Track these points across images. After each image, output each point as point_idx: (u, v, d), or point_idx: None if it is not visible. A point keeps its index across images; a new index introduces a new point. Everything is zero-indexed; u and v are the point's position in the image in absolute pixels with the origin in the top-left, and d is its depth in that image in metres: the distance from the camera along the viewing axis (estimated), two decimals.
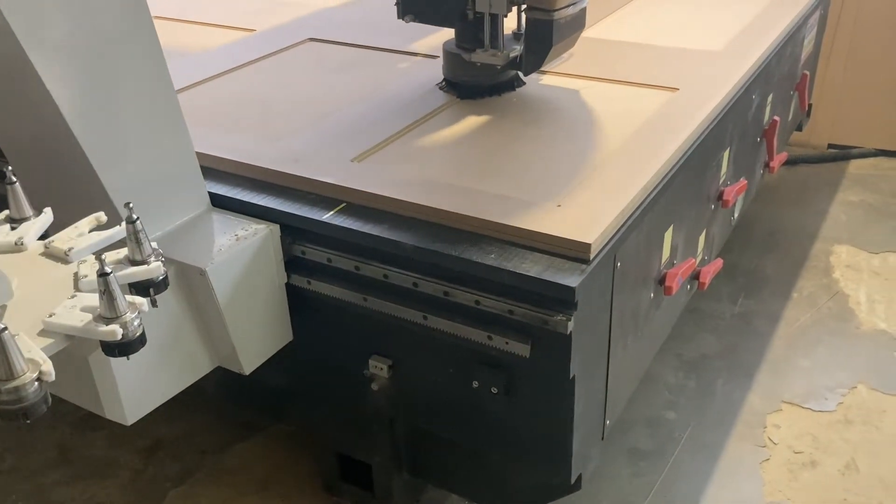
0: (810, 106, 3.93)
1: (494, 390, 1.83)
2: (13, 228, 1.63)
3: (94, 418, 1.76)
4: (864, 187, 4.10)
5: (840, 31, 4.23)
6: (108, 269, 1.36)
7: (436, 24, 2.42)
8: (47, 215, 1.68)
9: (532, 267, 1.68)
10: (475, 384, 1.85)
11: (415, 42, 2.92)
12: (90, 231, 1.64)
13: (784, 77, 3.20)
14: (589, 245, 1.69)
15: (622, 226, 1.82)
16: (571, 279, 1.64)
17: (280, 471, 2.58)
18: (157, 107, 1.75)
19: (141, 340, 1.43)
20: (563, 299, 1.65)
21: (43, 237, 1.64)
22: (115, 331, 1.37)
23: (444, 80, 2.52)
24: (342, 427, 2.25)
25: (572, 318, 1.65)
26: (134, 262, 1.53)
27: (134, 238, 1.52)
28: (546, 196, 1.89)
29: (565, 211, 1.82)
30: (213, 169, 2.06)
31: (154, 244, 1.54)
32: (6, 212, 1.65)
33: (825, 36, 3.93)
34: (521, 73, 2.47)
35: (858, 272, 3.43)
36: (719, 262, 2.63)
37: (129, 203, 1.50)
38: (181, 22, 3.28)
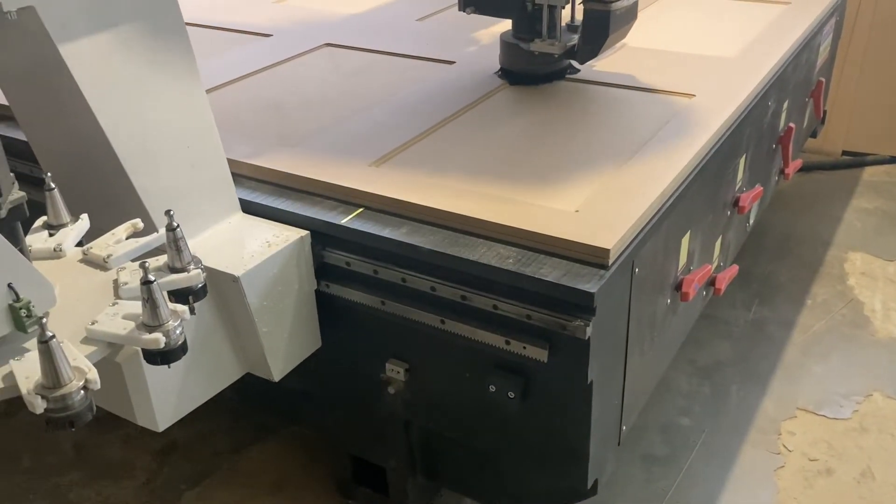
0: (825, 113, 3.92)
1: (511, 395, 1.83)
2: (51, 235, 1.63)
3: (110, 419, 1.77)
4: (878, 194, 4.09)
5: (855, 39, 4.22)
6: (151, 278, 1.36)
7: (495, 16, 2.60)
8: (84, 222, 1.68)
9: (550, 272, 1.69)
10: (492, 388, 1.86)
11: (431, 47, 2.93)
12: (127, 238, 1.64)
13: (799, 84, 3.19)
14: (608, 250, 1.69)
15: (640, 231, 1.83)
16: (590, 285, 1.64)
17: (294, 473, 2.59)
18: (190, 113, 1.76)
19: (182, 348, 1.43)
20: (581, 305, 1.65)
21: (79, 244, 1.65)
22: (158, 339, 1.38)
23: (501, 68, 2.65)
24: (357, 430, 2.26)
25: (591, 324, 1.65)
26: (173, 270, 1.53)
27: (174, 245, 1.51)
28: (564, 201, 1.90)
29: (584, 216, 1.83)
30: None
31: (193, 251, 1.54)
32: (44, 218, 1.65)
33: (840, 43, 3.92)
34: (573, 63, 2.59)
35: (873, 279, 3.42)
36: (735, 269, 2.63)
37: (169, 211, 1.50)
38: (199, 27, 3.31)
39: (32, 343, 1.38)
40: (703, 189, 2.24)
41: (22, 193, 1.43)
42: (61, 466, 2.67)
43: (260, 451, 2.68)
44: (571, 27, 2.48)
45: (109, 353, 1.44)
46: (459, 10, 2.51)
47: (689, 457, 2.59)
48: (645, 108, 2.41)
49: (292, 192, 2.01)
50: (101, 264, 1.59)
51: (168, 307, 1.40)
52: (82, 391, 1.27)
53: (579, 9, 2.41)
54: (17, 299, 1.35)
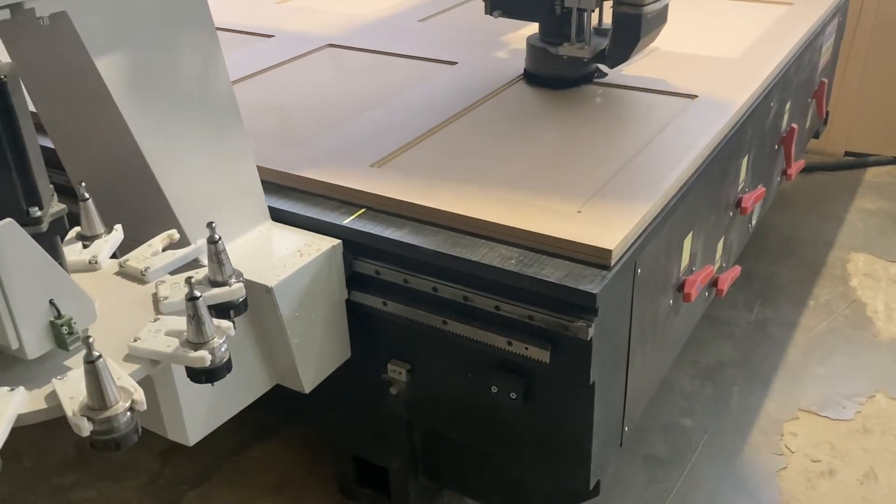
0: (827, 113, 3.91)
1: (513, 396, 1.83)
2: (85, 246, 1.59)
3: None
4: (881, 195, 4.09)
5: (857, 39, 4.22)
6: (197, 294, 1.32)
7: (523, 19, 2.56)
8: (118, 233, 1.64)
9: (553, 273, 1.69)
10: (494, 389, 1.86)
11: (433, 48, 2.93)
12: (163, 249, 1.60)
13: (802, 84, 3.19)
14: (610, 251, 1.69)
15: (643, 232, 1.82)
16: (592, 285, 1.64)
17: (296, 474, 2.59)
18: (221, 121, 1.73)
19: (227, 366, 1.39)
20: (584, 305, 1.65)
21: (112, 256, 1.62)
22: (204, 357, 1.34)
23: (525, 71, 2.63)
24: (359, 431, 2.26)
25: (593, 325, 1.65)
26: (214, 283, 1.49)
27: (216, 258, 1.48)
28: (566, 202, 1.90)
29: (586, 217, 1.83)
30: None
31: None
32: (77, 229, 1.62)
33: (843, 43, 3.92)
34: (601, 67, 2.56)
35: (876, 280, 3.41)
36: (737, 270, 2.62)
37: (212, 223, 1.47)
38: None
39: (73, 360, 1.36)
40: (706, 190, 2.24)
41: (62, 206, 1.39)
42: (63, 466, 2.67)
43: (261, 452, 2.68)
44: (600, 30, 2.46)
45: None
46: (486, 13, 2.48)
47: (691, 458, 2.59)
48: (647, 109, 2.41)
49: (293, 193, 2.01)
50: (138, 277, 1.55)
51: (213, 323, 1.36)
52: (128, 413, 1.24)
53: (607, 12, 2.40)
54: (59, 316, 1.31)
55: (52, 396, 1.28)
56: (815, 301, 3.30)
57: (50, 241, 1.37)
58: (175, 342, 1.36)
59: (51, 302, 1.30)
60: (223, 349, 1.37)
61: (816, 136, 3.98)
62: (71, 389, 1.27)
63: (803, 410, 2.76)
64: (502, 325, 1.77)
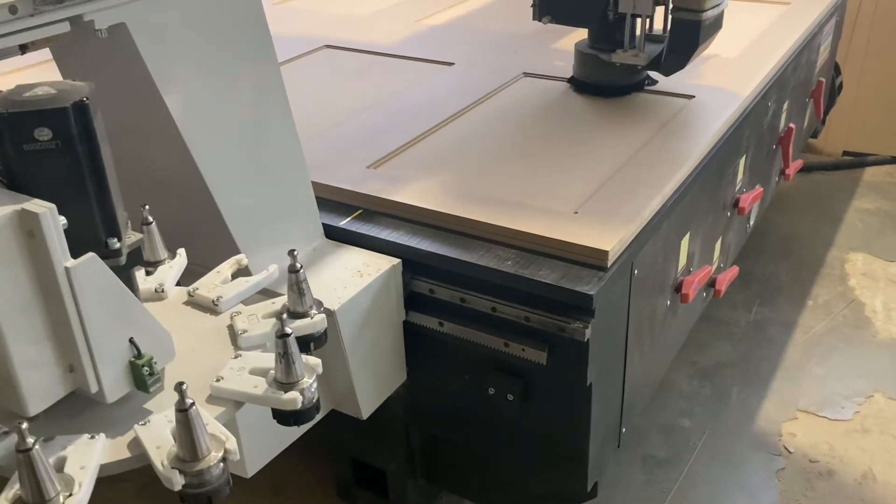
0: (825, 113, 3.91)
1: (510, 397, 1.83)
2: (148, 273, 1.50)
3: None
4: (879, 195, 4.08)
5: (855, 39, 4.21)
6: (288, 330, 1.23)
7: (574, 25, 2.50)
8: (182, 258, 1.54)
9: (549, 274, 1.68)
10: (491, 391, 1.85)
11: (430, 49, 2.93)
12: (232, 275, 1.52)
13: (800, 84, 3.19)
14: (606, 252, 1.69)
15: (639, 233, 1.82)
16: (589, 287, 1.64)
17: (294, 476, 2.58)
18: (277, 134, 1.68)
19: (316, 407, 1.29)
20: (580, 307, 1.65)
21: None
22: (295, 399, 1.24)
23: (573, 78, 2.56)
24: (357, 433, 2.26)
25: (590, 326, 1.65)
26: (294, 315, 1.40)
27: (297, 288, 1.40)
28: (563, 203, 1.89)
29: (582, 218, 1.82)
30: None
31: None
32: None
33: (840, 43, 3.92)
34: (651, 74, 2.50)
35: (874, 280, 3.41)
36: (735, 270, 2.62)
37: (293, 251, 1.40)
38: None
39: (153, 403, 1.27)
40: (703, 190, 2.24)
41: (138, 235, 1.31)
42: None
43: None
44: (652, 36, 2.39)
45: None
46: (534, 19, 2.42)
47: (689, 458, 2.58)
48: (645, 109, 2.40)
49: None
50: (210, 307, 1.46)
51: (303, 362, 1.27)
52: (221, 463, 1.14)
53: (658, 18, 2.35)
54: (139, 355, 1.22)
55: (136, 444, 1.19)
56: (813, 301, 3.30)
57: (126, 273, 1.27)
58: (262, 382, 1.26)
59: (130, 340, 1.21)
60: (313, 389, 1.27)
61: (815, 135, 3.98)
62: (156, 437, 1.18)
63: (802, 411, 2.75)
64: (499, 326, 1.77)
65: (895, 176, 4.27)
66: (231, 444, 1.16)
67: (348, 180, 1.99)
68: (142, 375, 1.22)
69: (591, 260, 1.71)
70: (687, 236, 2.19)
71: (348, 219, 1.90)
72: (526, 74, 2.68)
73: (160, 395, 1.27)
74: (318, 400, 1.29)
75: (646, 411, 2.63)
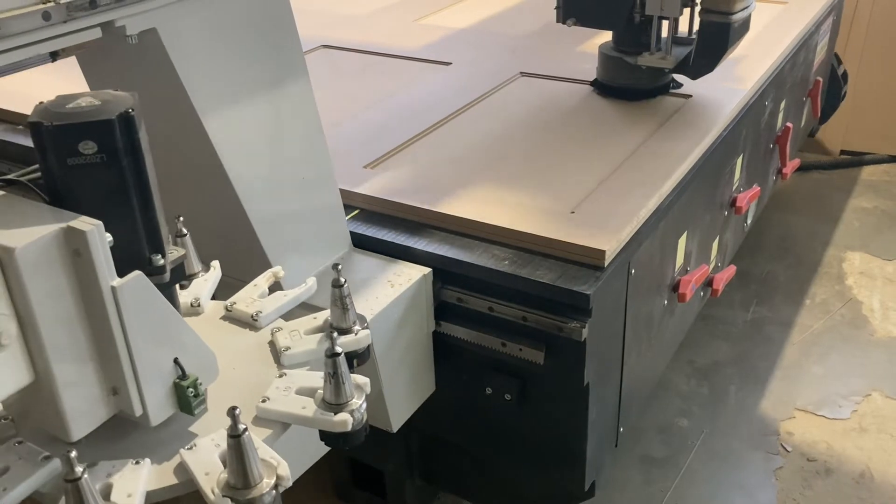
0: (823, 112, 3.91)
1: (508, 397, 1.83)
2: (183, 286, 1.45)
3: None
4: (877, 193, 4.08)
5: (853, 38, 4.22)
6: (339, 349, 1.19)
7: (598, 28, 2.46)
8: (217, 270, 1.50)
9: (546, 274, 1.68)
10: (488, 391, 1.85)
11: (427, 49, 2.93)
12: (269, 288, 1.48)
13: (797, 83, 3.19)
14: (603, 252, 1.69)
15: (636, 232, 1.82)
16: (586, 286, 1.64)
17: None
18: (306, 140, 1.65)
19: (365, 429, 1.25)
20: (577, 306, 1.65)
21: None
22: (346, 421, 1.19)
23: (596, 81, 2.53)
24: None
25: (587, 325, 1.65)
26: (337, 330, 1.36)
27: (340, 303, 1.36)
28: (560, 203, 1.89)
29: (579, 218, 1.82)
30: None
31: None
32: None
33: (838, 42, 3.92)
34: (675, 77, 2.47)
35: (872, 279, 3.41)
36: (732, 269, 2.62)
37: (337, 265, 1.36)
38: None
39: (198, 426, 1.23)
40: (700, 190, 2.24)
41: (181, 251, 1.28)
42: None
43: None
44: (677, 39, 2.35)
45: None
46: (558, 21, 2.36)
47: (687, 458, 2.58)
48: (642, 109, 2.40)
49: None
50: (249, 322, 1.42)
51: (352, 381, 1.23)
52: (273, 491, 1.09)
53: (683, 20, 2.32)
54: (183, 376, 1.17)
55: (182, 470, 1.15)
56: (811, 300, 3.30)
57: (169, 290, 1.22)
58: (310, 403, 1.22)
59: (175, 361, 1.17)
60: (362, 409, 1.22)
61: (812, 134, 3.98)
62: (203, 462, 1.14)
63: (800, 410, 2.75)
64: (496, 326, 1.77)
65: (892, 175, 4.28)
66: (283, 469, 1.12)
67: (345, 180, 1.99)
68: (186, 397, 1.17)
69: (588, 260, 1.71)
70: (684, 236, 2.19)
71: (346, 219, 1.90)
72: (523, 74, 2.68)
73: (204, 416, 1.23)
74: (367, 420, 1.25)
75: (643, 411, 2.63)
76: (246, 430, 1.06)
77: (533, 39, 2.99)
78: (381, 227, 1.87)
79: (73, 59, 1.47)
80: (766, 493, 2.46)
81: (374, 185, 1.97)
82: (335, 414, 1.20)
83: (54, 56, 1.21)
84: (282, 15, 1.53)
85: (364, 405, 1.23)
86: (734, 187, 2.61)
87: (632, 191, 1.92)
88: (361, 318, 1.40)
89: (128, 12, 1.22)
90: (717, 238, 2.55)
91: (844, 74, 3.91)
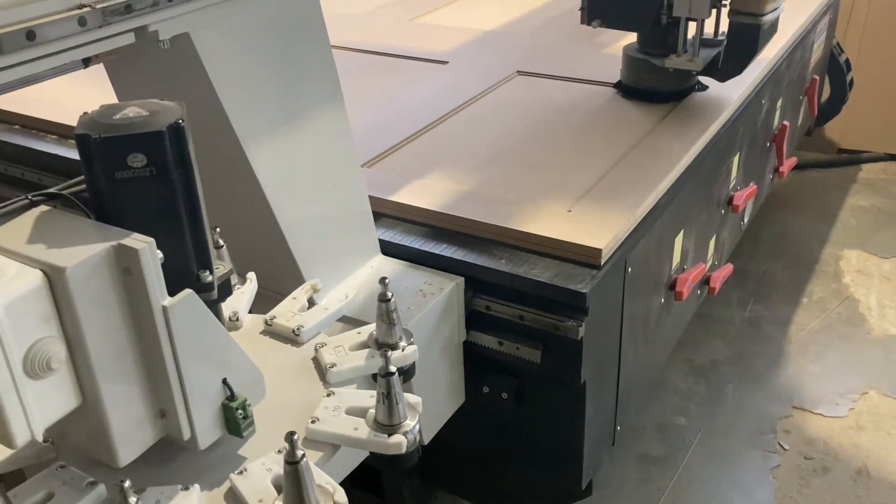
0: (820, 110, 3.91)
1: (505, 396, 1.83)
2: None
3: None
4: (874, 192, 4.09)
5: (850, 36, 4.22)
6: (393, 369, 1.15)
7: (624, 29, 2.41)
8: (253, 283, 1.46)
9: (543, 272, 1.68)
10: (485, 389, 1.85)
11: (424, 47, 2.92)
12: (308, 301, 1.44)
13: (794, 81, 3.19)
14: (600, 250, 1.69)
15: (633, 231, 1.82)
16: (582, 285, 1.64)
17: None
18: (336, 147, 1.63)
19: (418, 451, 1.21)
20: (574, 305, 1.65)
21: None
22: (400, 443, 1.16)
23: (620, 83, 2.50)
24: None
25: (583, 324, 1.65)
26: (383, 346, 1.34)
27: (387, 318, 1.33)
28: (557, 201, 1.89)
29: (576, 216, 1.82)
30: None
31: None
32: None
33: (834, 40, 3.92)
34: (701, 79, 2.44)
35: (869, 277, 3.41)
36: (729, 267, 2.62)
37: (384, 279, 1.33)
38: None
39: (247, 449, 1.19)
40: (697, 188, 2.24)
41: (228, 266, 1.24)
42: None
43: None
44: (705, 41, 2.31)
45: None
46: (583, 23, 2.33)
47: (685, 456, 2.58)
48: (638, 107, 2.40)
49: None
50: (290, 337, 1.39)
51: (405, 401, 1.19)
52: None
53: (709, 21, 2.28)
54: (232, 397, 1.13)
55: (233, 496, 1.11)
56: (808, 298, 3.30)
57: (216, 308, 1.18)
58: (362, 424, 1.18)
59: (224, 381, 1.12)
60: (416, 430, 1.19)
61: (809, 133, 3.98)
62: (256, 489, 1.09)
63: (797, 408, 2.76)
64: (493, 325, 1.77)
65: (889, 173, 4.28)
66: (340, 496, 1.08)
67: None
68: (235, 419, 1.13)
69: (584, 258, 1.70)
70: (681, 234, 2.19)
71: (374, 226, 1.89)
72: (520, 73, 2.68)
73: (252, 437, 1.19)
74: (419, 441, 1.21)
75: (641, 409, 2.63)
76: (304, 456, 1.02)
77: (529, 38, 2.99)
78: (378, 226, 1.87)
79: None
80: (764, 491, 2.46)
81: (370, 184, 1.96)
82: (389, 435, 1.17)
83: (86, 62, 1.18)
84: (312, 19, 1.51)
85: (417, 426, 1.20)
86: (731, 185, 2.61)
87: (629, 189, 1.92)
88: (407, 333, 1.36)
89: (161, 16, 1.20)
90: (714, 236, 2.55)
91: (847, 62, 3.90)
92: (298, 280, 1.57)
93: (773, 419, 2.71)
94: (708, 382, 2.89)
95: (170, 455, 1.18)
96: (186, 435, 1.11)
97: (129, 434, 1.08)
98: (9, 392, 0.94)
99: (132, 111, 1.08)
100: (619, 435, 2.10)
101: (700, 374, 2.93)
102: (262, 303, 1.48)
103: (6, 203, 1.08)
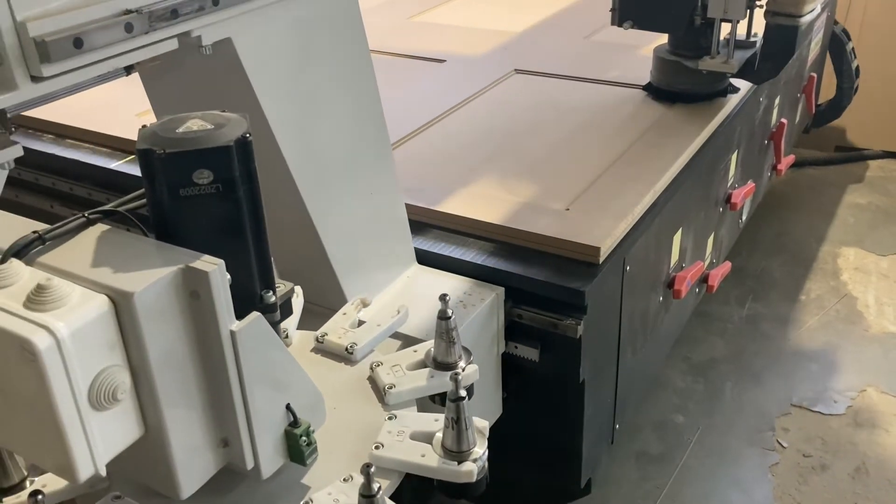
0: (818, 108, 3.91)
1: (504, 394, 1.83)
2: None
3: None
4: (871, 189, 4.09)
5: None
6: (462, 393, 1.10)
7: (657, 31, 2.34)
8: (300, 297, 1.39)
9: (541, 271, 1.68)
10: None
11: (422, 46, 2.92)
12: (358, 315, 1.40)
13: (791, 79, 3.19)
14: (598, 249, 1.69)
15: (631, 229, 1.82)
16: (581, 283, 1.64)
17: None
18: (375, 156, 1.61)
19: (487, 478, 1.17)
20: (572, 303, 1.65)
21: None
22: (472, 471, 1.12)
23: (650, 85, 2.44)
24: None
25: (582, 322, 1.65)
26: (440, 366, 1.30)
27: (446, 336, 1.29)
28: (554, 199, 1.89)
29: (574, 214, 1.82)
30: None
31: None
32: None
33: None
34: (733, 81, 2.39)
35: (867, 275, 3.41)
36: (727, 265, 2.62)
37: (445, 295, 1.29)
38: None
39: (309, 477, 1.15)
40: (695, 186, 2.24)
41: (289, 284, 1.19)
42: None
43: None
44: (738, 42, 2.27)
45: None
46: (613, 24, 2.29)
47: (683, 454, 2.58)
48: (636, 106, 2.40)
49: None
50: (343, 356, 1.35)
51: (475, 427, 1.14)
52: None
53: (742, 22, 2.22)
54: (295, 423, 1.08)
55: None
56: (806, 296, 3.30)
57: (277, 329, 1.12)
58: (429, 450, 1.14)
59: (287, 407, 1.07)
60: (485, 457, 1.15)
61: (807, 130, 3.98)
62: None
63: (795, 405, 2.76)
64: None
65: (887, 171, 4.28)
66: None
67: None
68: (298, 446, 1.08)
69: (582, 256, 1.70)
70: (679, 232, 2.19)
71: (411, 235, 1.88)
72: (517, 71, 2.68)
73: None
74: (487, 467, 1.18)
75: (639, 408, 2.63)
76: (380, 489, 0.98)
77: (527, 36, 2.99)
78: None
79: None
80: (762, 489, 2.46)
81: None
82: (458, 463, 1.13)
83: (129, 70, 1.15)
84: (352, 22, 1.48)
85: (486, 453, 1.16)
86: (729, 183, 2.61)
87: (626, 187, 1.92)
88: (467, 352, 1.32)
89: (204, 22, 1.16)
90: (713, 234, 2.55)
91: (853, 51, 3.89)
92: (337, 291, 1.54)
93: (772, 417, 2.71)
94: (706, 380, 2.89)
95: (229, 484, 1.13)
96: (250, 464, 1.07)
97: (192, 464, 1.04)
98: (74, 425, 0.89)
99: (196, 124, 1.03)
100: (618, 433, 2.10)
101: (698, 372, 2.92)
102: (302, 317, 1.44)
103: (63, 222, 1.03)
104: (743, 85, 2.48)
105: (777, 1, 2.14)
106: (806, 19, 2.13)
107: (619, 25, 2.27)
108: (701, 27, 2.20)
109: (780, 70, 2.26)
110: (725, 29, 2.24)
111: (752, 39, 2.28)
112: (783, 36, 2.14)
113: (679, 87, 2.37)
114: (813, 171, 4.28)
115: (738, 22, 2.17)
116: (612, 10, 2.28)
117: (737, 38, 2.25)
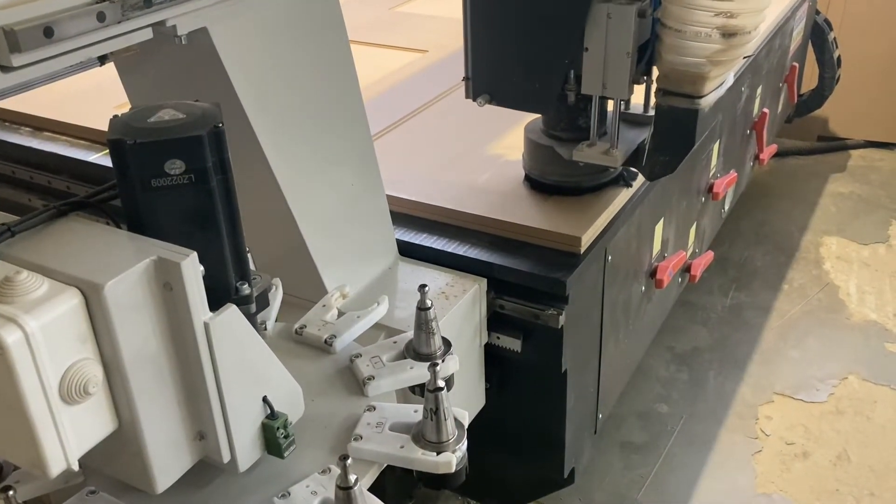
0: (800, 98, 3.93)
1: (486, 385, 1.82)
2: None
3: None
4: (853, 179, 4.11)
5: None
6: (441, 384, 1.11)
7: (521, 109, 1.84)
8: (279, 289, 1.38)
9: (523, 261, 1.68)
10: None
11: (403, 36, 2.91)
12: (338, 307, 1.39)
13: (773, 69, 3.20)
14: (579, 239, 1.69)
15: (613, 219, 1.82)
16: (562, 273, 1.64)
17: None
18: (355, 145, 1.59)
19: (466, 469, 1.18)
20: (554, 293, 1.65)
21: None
22: (450, 461, 1.13)
23: (526, 175, 1.95)
24: None
25: (563, 312, 1.65)
26: (419, 356, 1.30)
27: (426, 328, 1.29)
28: (536, 190, 1.88)
29: (555, 205, 1.82)
30: None
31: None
32: None
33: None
34: (625, 173, 1.91)
35: (849, 263, 3.43)
36: (710, 255, 2.63)
37: (424, 286, 1.28)
38: None
39: (286, 469, 1.13)
40: (677, 176, 2.23)
41: (268, 277, 1.17)
42: None
43: None
44: (630, 117, 1.83)
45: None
46: (467, 97, 1.87)
47: (667, 443, 2.59)
48: None
49: None
50: (322, 347, 1.34)
51: (454, 417, 1.15)
52: None
53: (639, 92, 1.76)
54: (272, 415, 1.08)
55: None
56: (789, 285, 3.32)
57: (253, 321, 1.11)
58: (408, 441, 1.14)
59: (264, 399, 1.07)
60: (464, 448, 1.15)
61: (789, 120, 4.00)
62: None
63: (778, 394, 2.77)
64: None
65: (869, 160, 4.31)
66: None
67: None
68: (276, 438, 1.08)
69: (564, 247, 1.70)
70: (661, 222, 2.19)
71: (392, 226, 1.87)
72: None
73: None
74: (466, 457, 1.18)
75: (623, 397, 2.63)
76: (357, 480, 0.98)
77: None
78: None
79: None
80: (745, 476, 2.47)
81: None
82: (437, 453, 1.13)
83: (103, 60, 1.14)
84: (331, 13, 1.46)
85: (465, 443, 1.16)
86: (711, 173, 2.61)
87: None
88: (446, 343, 1.32)
89: (179, 11, 1.14)
90: (695, 224, 2.56)
91: (835, 41, 3.90)
92: (317, 282, 1.53)
93: (755, 405, 2.72)
94: (690, 369, 2.90)
95: (206, 478, 1.13)
96: (226, 457, 1.06)
97: (167, 459, 1.03)
98: (44, 419, 0.88)
99: (167, 113, 1.02)
100: (601, 423, 2.10)
101: (682, 361, 2.94)
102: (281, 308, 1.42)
103: (32, 214, 1.01)
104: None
105: (669, 78, 1.57)
106: (709, 100, 1.60)
107: (473, 100, 1.84)
108: (577, 104, 1.74)
109: (679, 164, 1.72)
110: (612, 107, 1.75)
111: (650, 114, 1.74)
112: (678, 122, 1.60)
113: (555, 179, 1.87)
114: (795, 161, 4.30)
115: (622, 102, 1.73)
116: (465, 79, 1.85)
117: (630, 112, 1.83)
